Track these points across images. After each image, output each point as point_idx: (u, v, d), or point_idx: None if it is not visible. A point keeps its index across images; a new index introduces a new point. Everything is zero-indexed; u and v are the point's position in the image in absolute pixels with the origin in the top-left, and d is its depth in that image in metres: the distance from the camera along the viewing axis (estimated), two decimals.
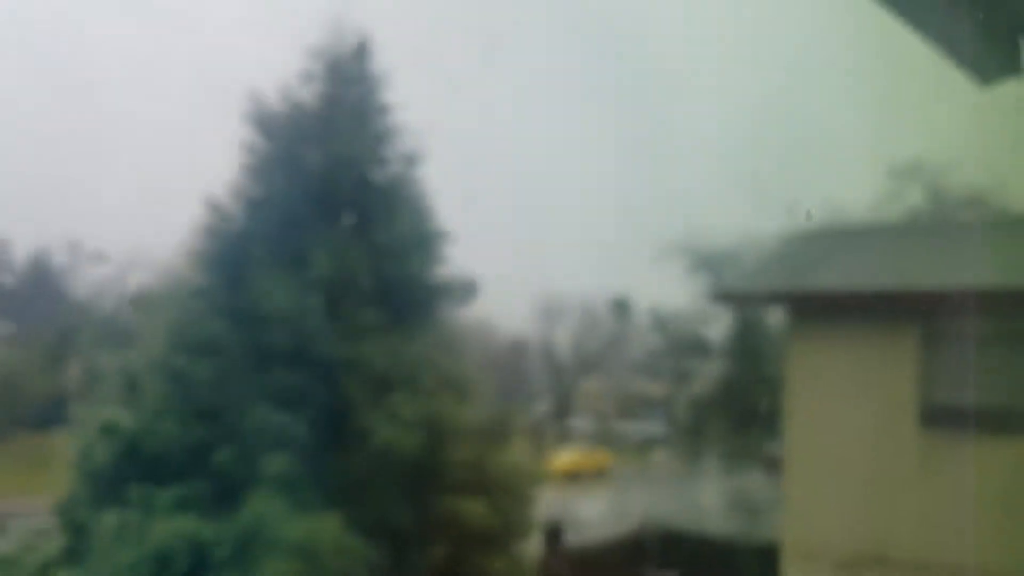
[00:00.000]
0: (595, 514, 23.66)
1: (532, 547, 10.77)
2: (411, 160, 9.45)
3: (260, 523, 6.86)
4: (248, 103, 8.89)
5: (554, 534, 17.02)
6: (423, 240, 9.21)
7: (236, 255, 8.55)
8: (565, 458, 41.15)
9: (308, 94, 9.21)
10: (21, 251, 73.72)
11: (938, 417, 9.22)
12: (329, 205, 9.04)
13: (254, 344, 7.99)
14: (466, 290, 9.41)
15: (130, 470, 7.48)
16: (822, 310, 10.23)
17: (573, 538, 18.37)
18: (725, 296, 13.25)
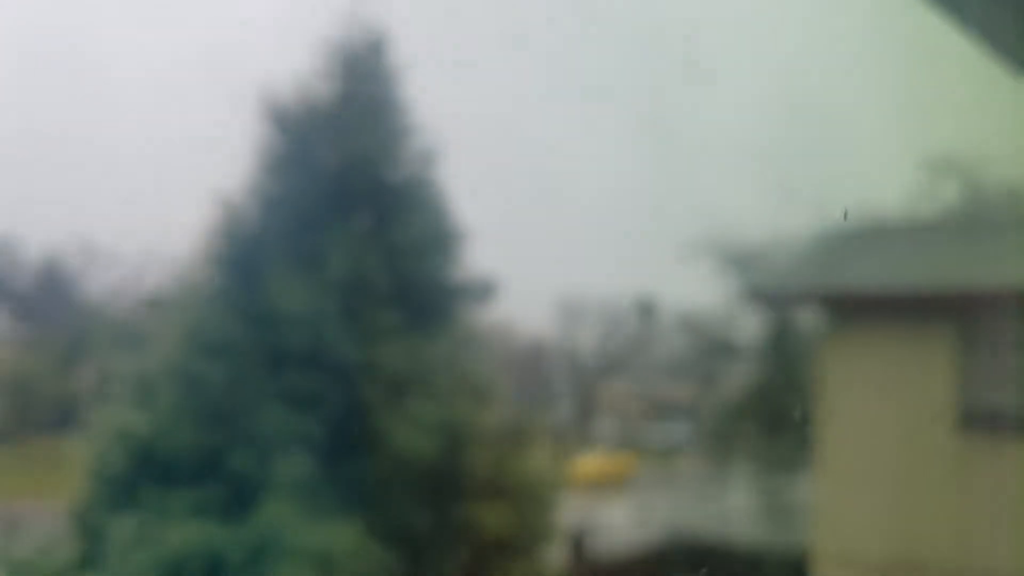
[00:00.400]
0: (619, 521, 23.60)
1: (555, 554, 10.75)
2: (428, 158, 9.46)
3: (276, 528, 6.90)
4: (262, 101, 8.93)
5: (578, 541, 17.01)
6: (440, 240, 9.21)
7: (251, 256, 8.59)
8: (588, 463, 41.09)
9: (323, 91, 9.23)
10: (33, 253, 74.51)
11: (976, 420, 9.12)
12: (345, 204, 9.05)
13: (269, 346, 8.03)
14: (485, 290, 9.40)
15: (145, 474, 7.54)
16: (856, 310, 10.14)
17: (597, 546, 18.35)
18: (756, 296, 13.17)
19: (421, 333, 8.63)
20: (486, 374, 8.90)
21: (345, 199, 8.99)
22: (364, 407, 8.13)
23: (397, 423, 7.69)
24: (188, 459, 7.47)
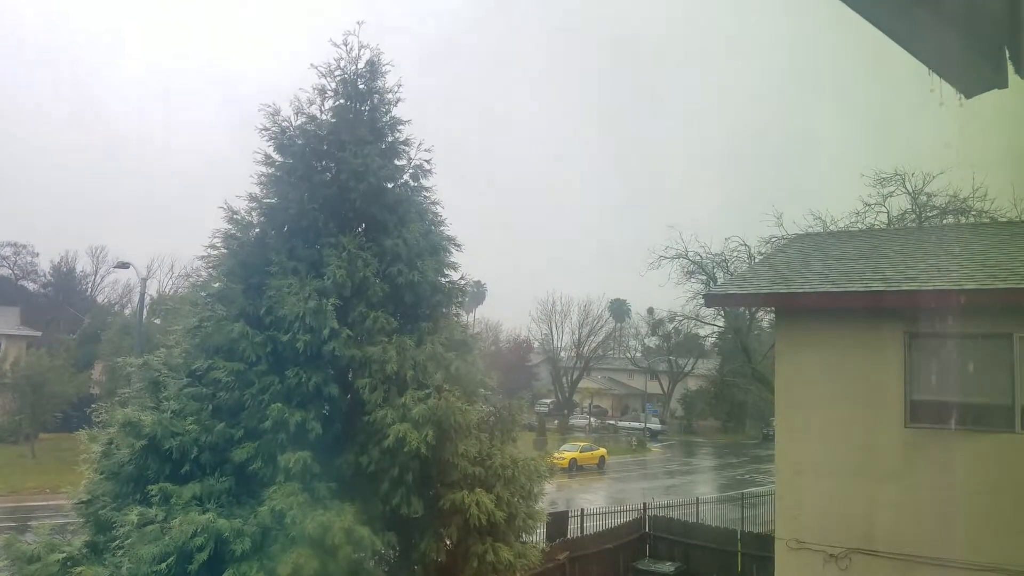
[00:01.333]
0: (595, 505, 23.73)
1: (537, 537, 10.79)
2: (420, 171, 9.52)
3: (279, 516, 6.86)
4: (265, 118, 8.94)
5: (557, 524, 17.08)
6: (432, 246, 9.27)
7: (254, 261, 8.59)
8: (567, 452, 41.53)
9: (321, 110, 9.26)
10: (46, 258, 73.53)
11: (921, 414, 9.24)
12: (341, 214, 9.09)
13: (270, 346, 8.00)
14: (474, 292, 9.40)
15: (151, 468, 7.48)
16: (811, 311, 10.25)
17: (574, 527, 18.43)
18: (717, 299, 13.27)
19: (413, 333, 8.64)
20: (474, 370, 8.90)
21: (341, 209, 9.03)
22: (360, 402, 8.12)
23: (390, 417, 7.67)
24: (194, 453, 7.42)
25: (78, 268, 73.10)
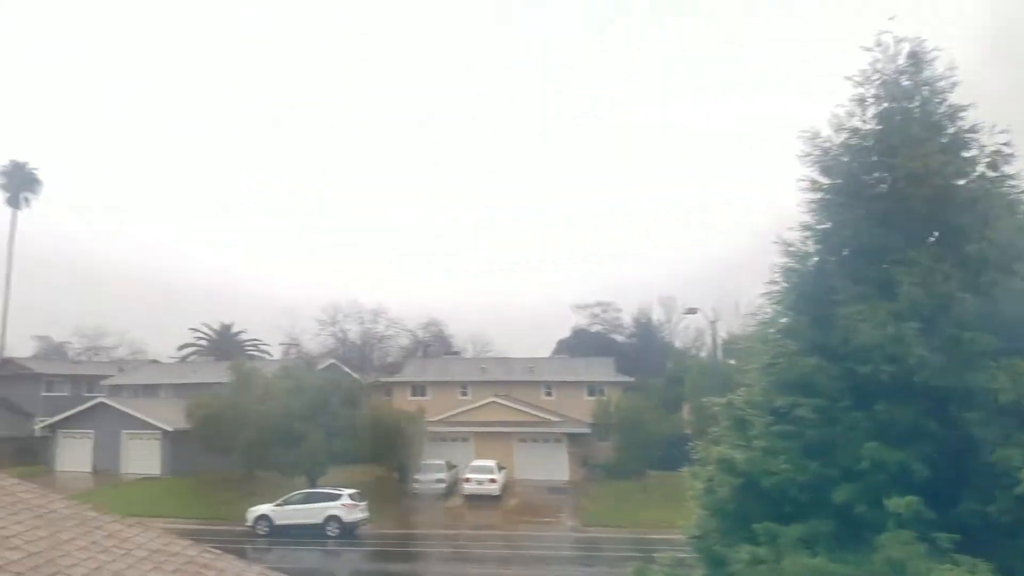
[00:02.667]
0: None
1: None
2: (999, 158, 8.11)
3: (896, 567, 6.31)
4: (803, 143, 8.77)
5: None
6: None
7: (816, 292, 8.36)
8: None
9: (864, 120, 8.67)
10: (627, 312, 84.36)
11: None
12: (905, 226, 8.26)
13: (849, 379, 7.59)
14: None
15: (752, 506, 7.68)
16: None
17: None
18: None
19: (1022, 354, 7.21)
20: None
21: (905, 220, 8.20)
22: (967, 439, 7.04)
23: (1018, 459, 6.47)
24: (790, 492, 7.39)
25: (654, 318, 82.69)
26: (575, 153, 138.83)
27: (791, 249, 8.79)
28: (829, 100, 8.89)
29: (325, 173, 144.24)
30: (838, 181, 8.60)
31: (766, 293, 8.99)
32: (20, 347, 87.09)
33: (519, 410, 52.66)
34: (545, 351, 77.40)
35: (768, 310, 9.33)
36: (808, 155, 8.82)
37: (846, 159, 8.60)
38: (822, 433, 7.50)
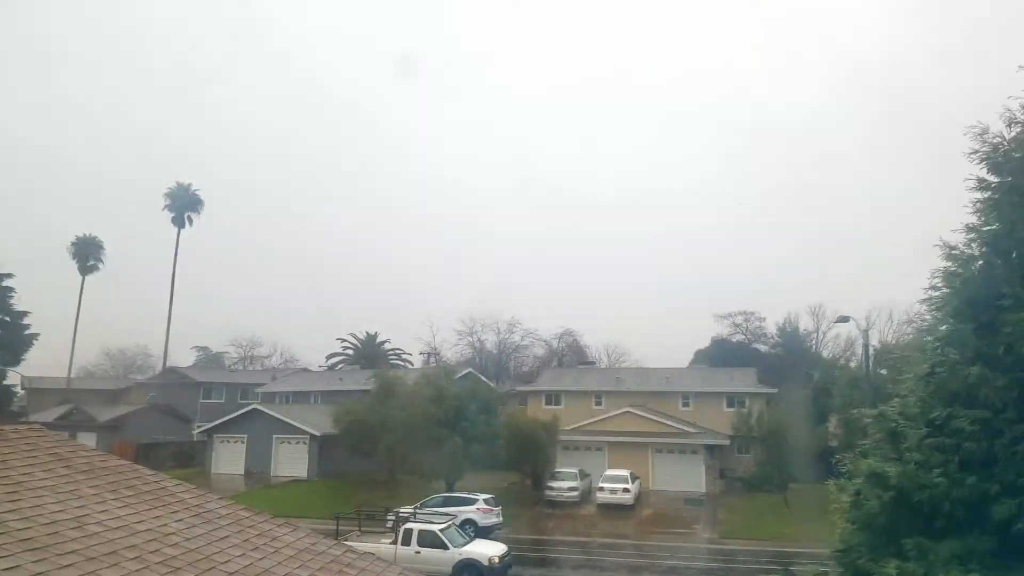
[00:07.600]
0: None
1: None
2: None
3: None
4: (971, 140, 8.36)
5: None
6: None
7: (981, 297, 7.96)
8: None
9: None
10: (771, 321, 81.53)
11: None
12: None
13: (1018, 390, 7.21)
14: None
15: (902, 520, 7.44)
16: None
17: None
18: None
19: None
20: None
21: None
22: None
23: None
24: (944, 507, 7.11)
25: (801, 327, 79.12)
26: (717, 160, 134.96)
27: (954, 252, 8.42)
28: (998, 94, 8.44)
29: (464, 181, 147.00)
30: (1008, 180, 8.16)
31: (925, 300, 8.64)
32: (181, 357, 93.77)
33: (654, 420, 52.04)
34: (682, 361, 76.09)
35: (927, 317, 8.96)
36: (975, 152, 8.41)
37: (1018, 155, 8.16)
38: (982, 446, 7.17)
